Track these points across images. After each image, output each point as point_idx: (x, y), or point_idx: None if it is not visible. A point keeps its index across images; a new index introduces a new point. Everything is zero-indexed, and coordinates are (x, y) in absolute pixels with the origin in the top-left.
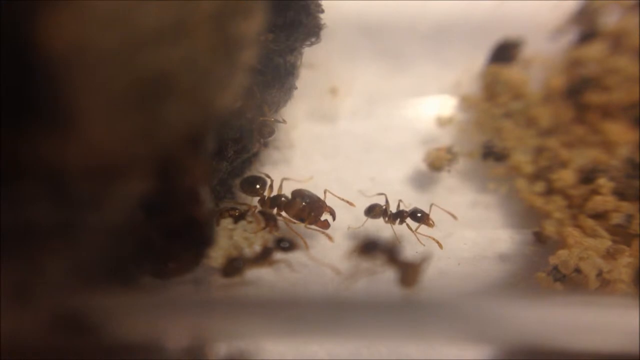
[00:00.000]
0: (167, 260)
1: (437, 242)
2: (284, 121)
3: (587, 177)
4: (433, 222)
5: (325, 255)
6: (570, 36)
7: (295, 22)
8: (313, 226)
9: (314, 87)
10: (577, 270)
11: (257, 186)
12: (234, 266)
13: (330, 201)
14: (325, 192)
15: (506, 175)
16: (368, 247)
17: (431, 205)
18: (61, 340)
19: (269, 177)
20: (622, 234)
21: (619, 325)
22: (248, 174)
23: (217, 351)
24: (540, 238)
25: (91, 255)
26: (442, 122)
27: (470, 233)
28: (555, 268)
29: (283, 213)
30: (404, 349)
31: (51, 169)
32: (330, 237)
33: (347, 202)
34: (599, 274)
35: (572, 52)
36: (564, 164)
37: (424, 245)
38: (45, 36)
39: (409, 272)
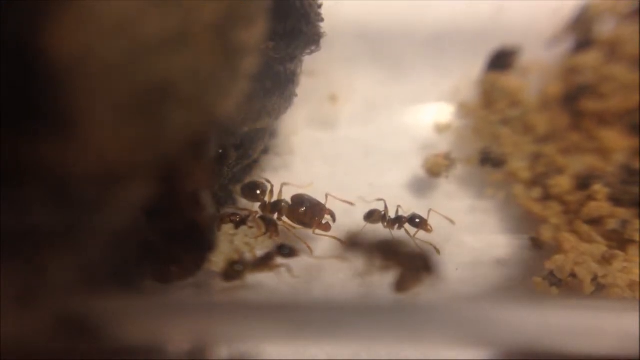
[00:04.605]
0: (168, 263)
1: (435, 248)
2: None
3: (583, 183)
4: (431, 227)
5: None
6: (567, 44)
7: (296, 30)
8: (319, 231)
9: (314, 94)
10: (573, 275)
11: (258, 192)
12: (234, 270)
13: (330, 204)
14: (327, 196)
15: (504, 181)
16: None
17: (429, 211)
18: (63, 342)
19: (269, 182)
20: (617, 240)
21: (614, 329)
22: (249, 179)
23: (218, 354)
24: (536, 243)
25: (93, 258)
26: (440, 129)
27: (468, 238)
28: (551, 273)
29: (284, 218)
30: (403, 351)
31: (54, 173)
32: (343, 242)
33: (347, 202)
34: (594, 278)
35: (568, 60)
36: (560, 171)
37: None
38: (50, 43)
39: (408, 279)
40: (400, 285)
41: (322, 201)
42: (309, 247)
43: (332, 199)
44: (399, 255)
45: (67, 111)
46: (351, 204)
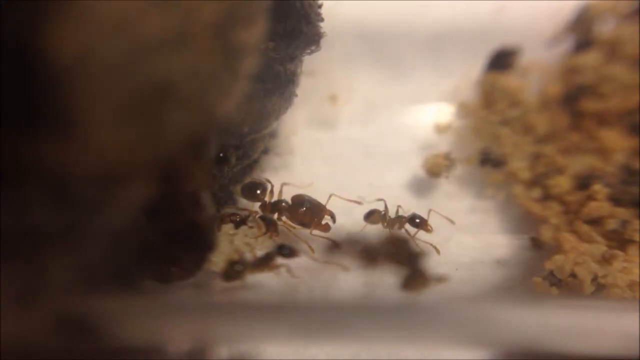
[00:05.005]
0: (169, 264)
1: (435, 248)
2: None
3: (583, 183)
4: (431, 227)
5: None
6: (567, 44)
7: (296, 30)
8: (316, 232)
9: (314, 94)
10: (573, 275)
11: (258, 191)
12: (234, 270)
13: (331, 205)
14: (330, 196)
15: (504, 182)
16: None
17: (429, 211)
18: (63, 342)
19: (269, 182)
20: (617, 240)
21: (614, 329)
22: (249, 179)
23: (218, 354)
24: (536, 243)
25: (93, 258)
26: (440, 129)
27: (468, 238)
28: (551, 273)
29: (284, 218)
30: (403, 351)
31: (55, 173)
32: (337, 243)
33: (355, 201)
34: (594, 278)
35: (568, 60)
36: (560, 171)
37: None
38: (50, 43)
39: (418, 279)
40: (407, 285)
41: (323, 201)
42: (310, 247)
43: (332, 200)
44: (385, 255)
45: (67, 111)
46: (359, 202)
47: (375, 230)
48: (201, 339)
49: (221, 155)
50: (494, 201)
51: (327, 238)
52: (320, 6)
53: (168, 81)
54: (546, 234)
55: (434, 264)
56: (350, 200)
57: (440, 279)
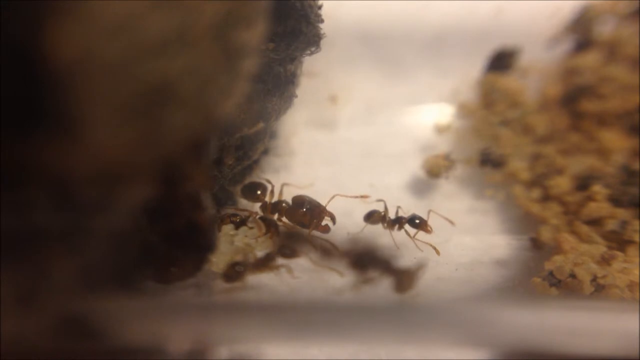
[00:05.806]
0: (169, 265)
1: (435, 248)
2: None
3: (583, 183)
4: (431, 228)
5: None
6: (566, 45)
7: (296, 31)
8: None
9: (313, 95)
10: (572, 276)
11: (258, 192)
12: (235, 271)
13: (330, 206)
14: (333, 196)
15: (503, 182)
16: (362, 260)
17: (429, 212)
18: (64, 343)
19: (269, 182)
20: (616, 240)
21: (614, 329)
22: (249, 180)
23: (219, 354)
24: (536, 244)
25: (94, 259)
26: (440, 130)
27: (467, 239)
28: (551, 273)
29: (284, 219)
30: (403, 352)
31: (56, 176)
32: (335, 246)
33: (361, 197)
34: (594, 279)
35: (568, 61)
36: (560, 171)
37: (422, 251)
38: (51, 46)
39: (404, 278)
40: (398, 287)
41: (323, 202)
42: (314, 246)
43: (332, 200)
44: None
45: (67, 112)
46: (365, 197)
47: (376, 231)
48: (201, 339)
49: (221, 155)
50: (493, 202)
51: (326, 240)
52: (320, 7)
53: (168, 82)
54: (546, 234)
55: (433, 265)
56: (356, 197)
57: (421, 266)
